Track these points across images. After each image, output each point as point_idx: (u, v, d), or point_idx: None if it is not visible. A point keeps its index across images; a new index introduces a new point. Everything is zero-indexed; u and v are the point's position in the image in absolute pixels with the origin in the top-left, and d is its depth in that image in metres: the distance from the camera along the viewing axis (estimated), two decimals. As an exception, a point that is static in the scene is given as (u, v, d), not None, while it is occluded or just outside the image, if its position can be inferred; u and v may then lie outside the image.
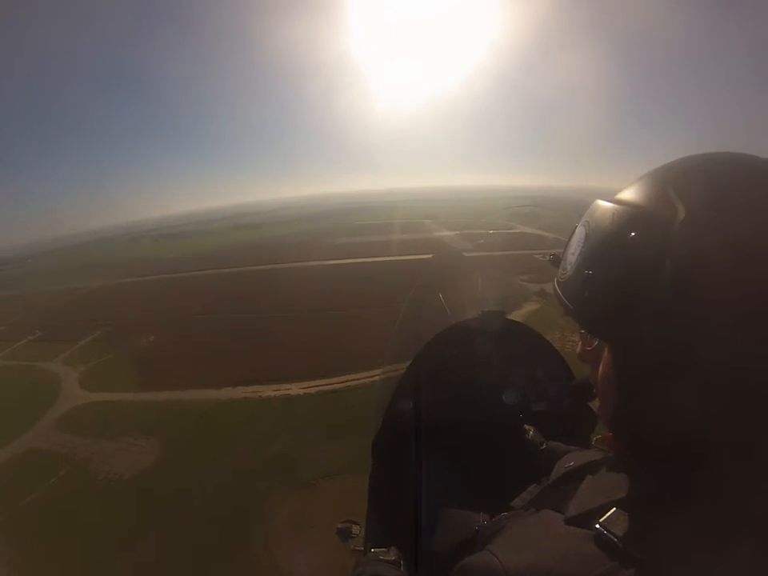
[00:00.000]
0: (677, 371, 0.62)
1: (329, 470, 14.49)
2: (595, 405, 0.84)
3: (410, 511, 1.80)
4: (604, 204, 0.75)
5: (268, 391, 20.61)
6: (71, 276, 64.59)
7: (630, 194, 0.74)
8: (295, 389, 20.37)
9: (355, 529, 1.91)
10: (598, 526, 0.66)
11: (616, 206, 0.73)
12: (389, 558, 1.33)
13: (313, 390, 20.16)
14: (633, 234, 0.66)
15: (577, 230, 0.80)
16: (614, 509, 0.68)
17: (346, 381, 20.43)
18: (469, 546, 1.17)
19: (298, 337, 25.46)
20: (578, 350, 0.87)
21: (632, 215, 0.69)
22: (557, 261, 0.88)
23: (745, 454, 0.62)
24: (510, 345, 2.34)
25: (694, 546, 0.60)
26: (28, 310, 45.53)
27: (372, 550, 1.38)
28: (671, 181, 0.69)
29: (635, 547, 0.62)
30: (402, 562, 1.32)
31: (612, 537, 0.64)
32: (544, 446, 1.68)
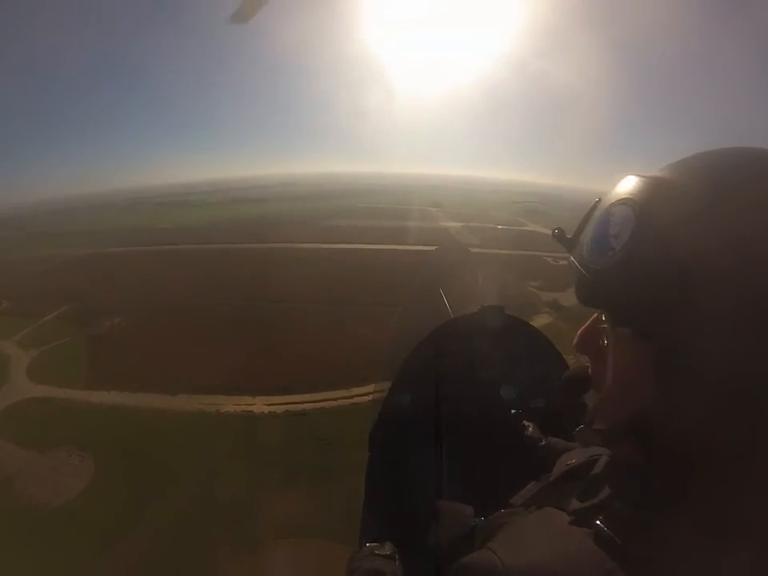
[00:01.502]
0: (717, 372, 0.61)
1: (281, 529, 11.60)
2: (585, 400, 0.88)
3: (406, 506, 1.95)
4: (651, 181, 0.70)
5: (228, 404, 17.59)
6: (60, 241, 61.25)
7: (678, 174, 0.70)
8: (260, 404, 17.38)
9: None
10: (598, 524, 0.67)
11: (667, 185, 0.69)
12: (384, 553, 1.30)
13: (279, 410, 17.11)
14: (693, 220, 0.63)
15: (617, 210, 0.72)
16: (615, 507, 0.70)
17: (320, 400, 17.35)
18: (465, 542, 1.15)
19: (275, 335, 22.06)
20: (577, 340, 0.83)
21: (686, 198, 0.66)
22: (562, 237, 0.85)
23: (746, 456, 0.62)
24: (509, 340, 2.38)
25: (693, 545, 0.61)
26: (2, 276, 42.55)
27: (367, 544, 1.36)
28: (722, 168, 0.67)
29: (636, 546, 0.63)
30: (397, 557, 1.30)
31: (613, 536, 0.65)
32: (543, 443, 1.68)
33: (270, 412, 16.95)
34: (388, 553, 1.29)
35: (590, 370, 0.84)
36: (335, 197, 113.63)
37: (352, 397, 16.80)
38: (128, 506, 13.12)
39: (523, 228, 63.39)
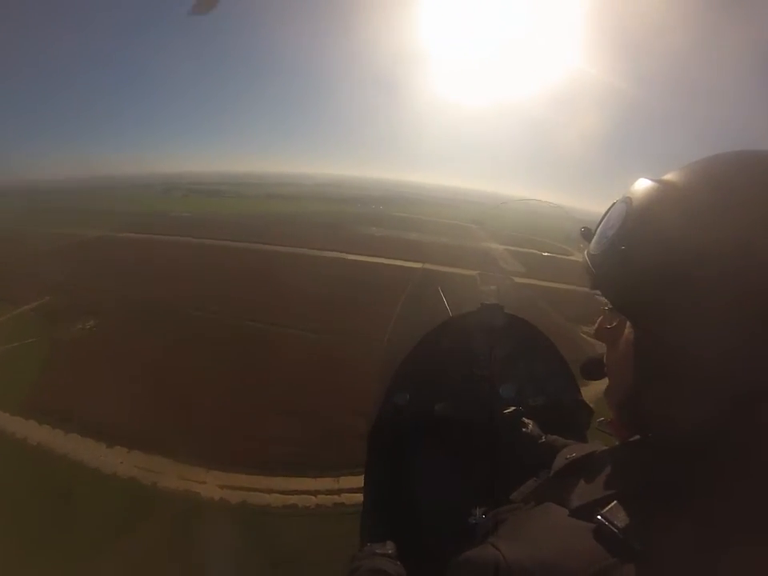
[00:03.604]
0: (696, 362, 0.64)
1: None
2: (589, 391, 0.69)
3: (407, 504, 1.95)
4: (650, 183, 0.77)
5: (172, 476, 12.37)
6: (80, 219, 58.45)
7: (679, 176, 0.75)
8: (212, 484, 12.08)
9: None
10: (599, 518, 0.67)
11: (664, 185, 0.75)
12: (385, 552, 1.32)
13: (234, 498, 11.67)
14: (679, 216, 0.68)
15: (616, 206, 0.82)
16: (616, 501, 0.70)
17: (294, 491, 11.87)
18: (467, 539, 1.12)
19: (261, 376, 17.12)
20: (596, 326, 0.89)
21: (680, 197, 0.71)
22: (588, 234, 0.91)
23: (744, 453, 0.64)
24: (508, 338, 2.38)
25: (694, 540, 0.62)
26: (8, 252, 38.84)
27: (368, 543, 1.37)
28: (724, 172, 0.70)
29: (637, 541, 0.63)
30: (398, 556, 1.31)
31: (614, 530, 0.65)
32: (543, 439, 1.70)
33: (220, 499, 11.70)
34: (389, 552, 1.31)
35: (605, 358, 0.89)
36: (372, 202, 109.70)
37: (339, 492, 11.61)
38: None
39: (569, 258, 55.87)
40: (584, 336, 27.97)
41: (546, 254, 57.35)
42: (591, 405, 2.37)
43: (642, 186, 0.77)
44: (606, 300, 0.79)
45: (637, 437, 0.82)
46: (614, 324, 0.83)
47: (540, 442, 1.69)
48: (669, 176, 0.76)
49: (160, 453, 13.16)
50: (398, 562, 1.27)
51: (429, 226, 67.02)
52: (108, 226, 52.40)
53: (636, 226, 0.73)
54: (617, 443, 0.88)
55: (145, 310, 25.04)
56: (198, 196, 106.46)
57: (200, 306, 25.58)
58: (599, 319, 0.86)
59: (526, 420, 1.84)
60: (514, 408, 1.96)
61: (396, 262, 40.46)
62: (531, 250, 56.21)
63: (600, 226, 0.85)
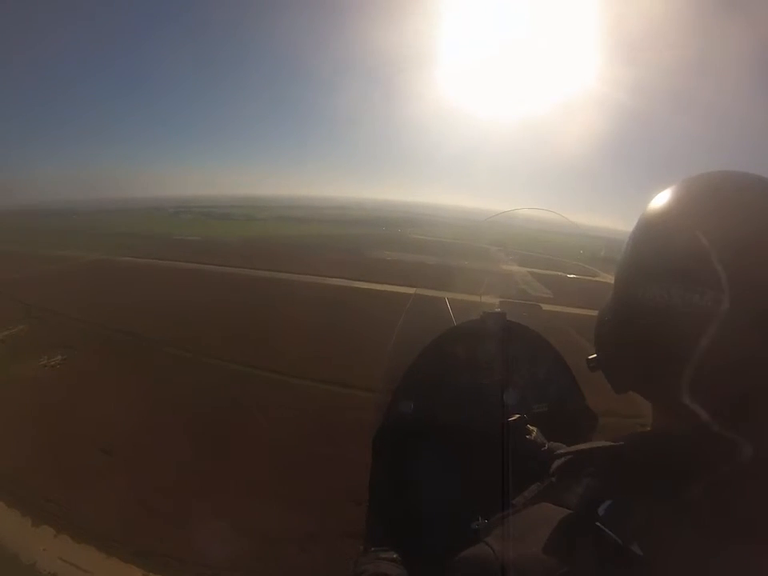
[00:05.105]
0: (684, 364, 0.66)
1: None
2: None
3: (410, 510, 1.96)
4: (665, 193, 0.79)
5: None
6: (85, 241, 56.70)
7: (684, 188, 0.77)
8: None
9: None
10: (597, 519, 0.67)
11: (676, 197, 0.76)
12: (389, 557, 1.33)
13: None
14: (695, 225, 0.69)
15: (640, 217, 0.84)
16: (614, 503, 0.69)
17: None
18: (468, 544, 1.06)
19: (238, 457, 12.67)
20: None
21: (693, 208, 0.73)
22: None
23: (745, 455, 0.64)
24: (512, 346, 2.37)
25: (692, 542, 0.62)
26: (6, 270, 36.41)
27: (372, 548, 1.38)
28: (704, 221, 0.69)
29: (634, 542, 0.62)
30: (402, 561, 1.32)
31: (610, 532, 0.64)
32: (546, 446, 1.69)
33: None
34: (393, 557, 1.32)
35: None
36: (387, 223, 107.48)
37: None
38: None
39: (597, 279, 51.94)
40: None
41: (570, 275, 53.53)
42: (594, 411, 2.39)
43: (654, 198, 0.80)
44: None
45: (637, 437, 0.82)
46: None
47: (543, 449, 1.67)
48: (677, 186, 0.78)
49: (96, 543, 9.61)
50: (402, 567, 1.29)
51: (447, 247, 63.49)
52: (108, 249, 50.06)
53: (642, 236, 0.78)
54: (616, 444, 0.85)
55: (123, 346, 21.71)
56: (207, 219, 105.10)
57: (186, 346, 21.63)
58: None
59: (531, 427, 1.81)
60: (518, 415, 1.89)
61: (402, 290, 36.24)
62: (556, 272, 52.52)
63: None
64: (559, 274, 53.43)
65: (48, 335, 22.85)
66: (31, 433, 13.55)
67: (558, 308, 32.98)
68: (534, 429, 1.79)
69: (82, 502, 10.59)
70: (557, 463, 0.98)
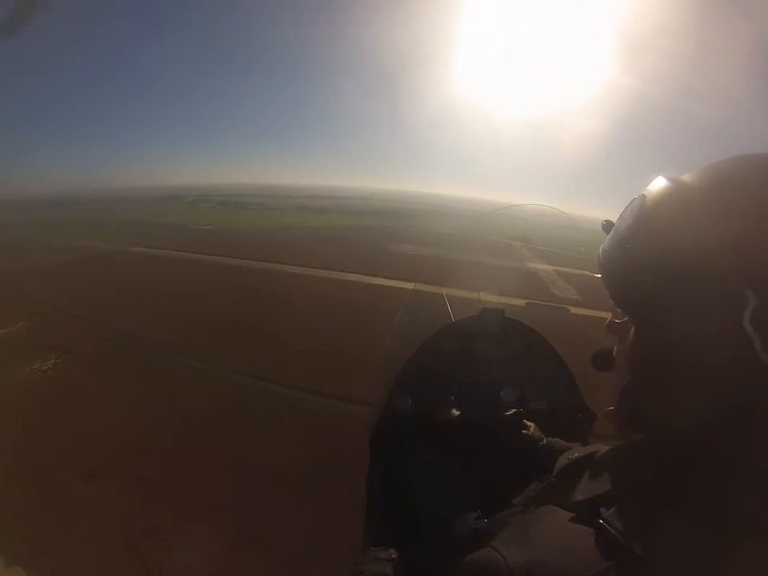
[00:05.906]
0: (692, 364, 0.67)
1: None
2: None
3: (409, 509, 2.02)
4: (665, 181, 0.81)
5: None
6: (98, 231, 56.62)
7: (694, 177, 0.77)
8: None
9: None
10: (600, 520, 0.70)
11: (678, 185, 0.78)
12: (388, 556, 1.38)
13: None
14: (686, 216, 0.70)
15: (633, 202, 0.85)
16: (617, 503, 0.73)
17: None
18: (469, 544, 1.13)
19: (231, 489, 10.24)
20: (608, 320, 0.93)
21: (690, 198, 0.73)
22: (609, 228, 0.95)
23: (745, 453, 0.66)
24: (509, 342, 2.59)
25: (695, 542, 0.64)
26: (11, 263, 35.15)
27: (370, 548, 1.44)
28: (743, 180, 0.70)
29: (637, 543, 0.65)
30: (401, 561, 1.36)
31: (614, 532, 0.68)
32: (544, 442, 1.82)
33: None
34: (392, 556, 1.38)
35: (614, 351, 0.93)
36: (408, 215, 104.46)
37: None
38: None
39: None
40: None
41: (598, 275, 50.60)
42: (592, 408, 2.44)
43: (658, 184, 0.82)
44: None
45: (637, 437, 0.84)
46: (625, 319, 0.86)
47: (541, 444, 1.79)
48: (685, 176, 0.79)
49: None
50: (401, 567, 1.34)
51: (468, 243, 61.12)
52: (119, 239, 49.44)
53: (645, 224, 0.78)
54: (617, 444, 0.89)
55: (123, 348, 20.01)
56: (224, 208, 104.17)
57: (188, 350, 19.07)
58: (612, 312, 0.89)
59: (528, 422, 1.95)
60: (514, 410, 2.03)
61: (430, 288, 34.27)
62: (582, 271, 49.88)
63: (617, 221, 0.88)
64: (586, 272, 50.68)
65: (48, 335, 21.71)
66: (16, 451, 12.19)
67: (585, 311, 30.83)
68: (532, 424, 1.96)
69: (58, 541, 8.87)
70: (559, 464, 1.01)
